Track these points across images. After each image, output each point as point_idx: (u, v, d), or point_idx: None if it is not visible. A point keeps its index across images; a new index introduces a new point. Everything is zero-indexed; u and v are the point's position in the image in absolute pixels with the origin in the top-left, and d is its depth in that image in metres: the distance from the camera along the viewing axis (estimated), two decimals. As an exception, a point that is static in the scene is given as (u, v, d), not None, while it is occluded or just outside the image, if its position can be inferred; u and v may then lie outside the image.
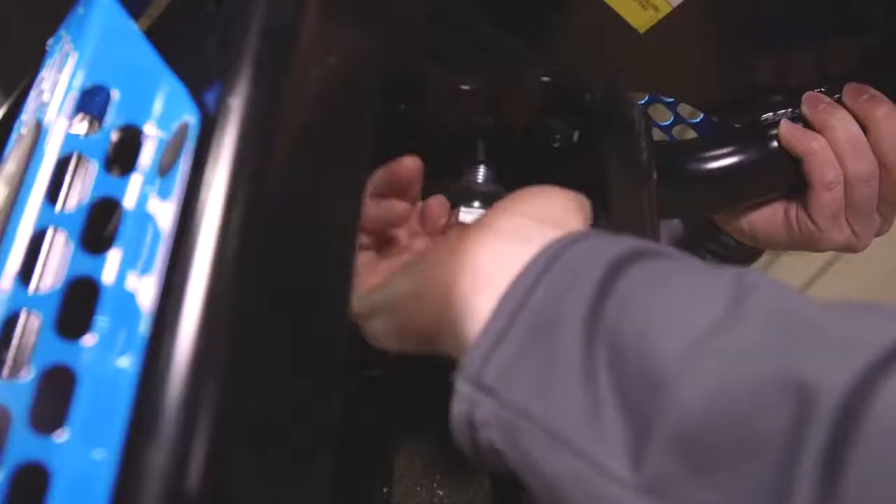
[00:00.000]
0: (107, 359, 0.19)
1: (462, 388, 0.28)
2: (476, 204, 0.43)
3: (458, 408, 0.28)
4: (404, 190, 0.39)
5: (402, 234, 0.41)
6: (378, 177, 0.38)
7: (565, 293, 0.27)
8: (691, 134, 0.55)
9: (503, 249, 0.30)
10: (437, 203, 0.41)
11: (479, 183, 0.45)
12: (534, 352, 0.27)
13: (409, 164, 0.38)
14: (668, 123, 0.55)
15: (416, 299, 0.33)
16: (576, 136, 0.44)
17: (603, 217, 0.41)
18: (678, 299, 0.26)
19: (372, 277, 0.37)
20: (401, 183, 0.38)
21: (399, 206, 0.39)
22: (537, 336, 0.27)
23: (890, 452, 0.20)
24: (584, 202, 0.35)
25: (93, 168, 0.21)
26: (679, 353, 0.24)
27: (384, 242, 0.41)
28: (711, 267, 0.28)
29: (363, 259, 0.40)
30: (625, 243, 0.29)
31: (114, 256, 0.20)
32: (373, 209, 0.39)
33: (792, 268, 1.07)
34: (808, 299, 0.25)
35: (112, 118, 0.22)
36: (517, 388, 0.27)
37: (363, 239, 0.40)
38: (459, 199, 0.43)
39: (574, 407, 0.26)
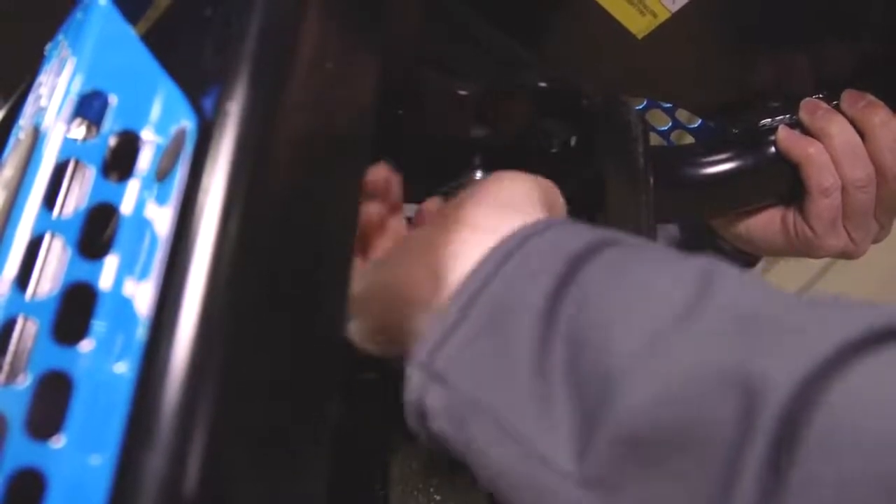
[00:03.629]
0: (104, 364, 0.19)
1: (413, 375, 0.28)
2: None
3: (409, 395, 0.28)
4: (381, 194, 0.38)
5: (382, 242, 0.40)
6: None
7: (523, 285, 0.27)
8: (689, 139, 0.55)
9: (465, 242, 0.30)
10: (433, 205, 0.41)
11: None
12: (487, 342, 0.27)
13: (380, 174, 0.37)
14: (666, 128, 0.55)
15: (383, 297, 0.32)
16: (573, 141, 0.44)
17: (600, 221, 0.41)
18: (638, 294, 0.26)
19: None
20: (374, 187, 0.38)
21: (372, 207, 0.38)
22: (492, 326, 0.27)
23: (835, 451, 0.20)
24: (549, 186, 0.35)
25: (90, 173, 0.21)
26: (633, 349, 0.24)
27: (362, 247, 0.40)
28: (676, 256, 0.27)
29: None
30: (587, 234, 0.28)
31: (111, 262, 0.20)
32: None
33: (788, 273, 1.07)
34: (773, 292, 0.25)
35: (109, 123, 0.22)
36: (467, 376, 0.27)
37: None
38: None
39: (523, 398, 0.25)
